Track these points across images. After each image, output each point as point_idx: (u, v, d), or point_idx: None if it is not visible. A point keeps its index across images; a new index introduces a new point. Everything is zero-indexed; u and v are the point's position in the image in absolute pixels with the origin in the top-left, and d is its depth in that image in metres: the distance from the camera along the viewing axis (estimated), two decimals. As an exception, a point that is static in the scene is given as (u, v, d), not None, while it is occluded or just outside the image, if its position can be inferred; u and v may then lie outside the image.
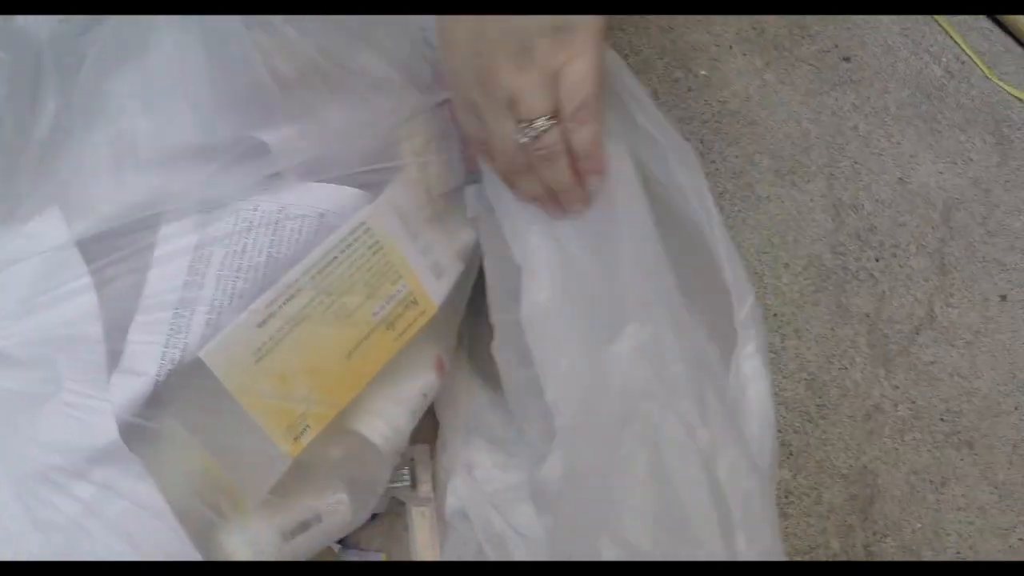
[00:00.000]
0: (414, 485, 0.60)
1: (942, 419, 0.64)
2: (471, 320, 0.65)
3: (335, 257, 0.49)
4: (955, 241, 0.69)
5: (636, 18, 0.79)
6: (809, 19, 0.78)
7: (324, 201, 0.50)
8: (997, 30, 0.78)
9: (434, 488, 0.60)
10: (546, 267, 0.50)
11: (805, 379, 0.64)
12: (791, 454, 0.63)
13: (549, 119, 0.40)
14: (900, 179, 0.71)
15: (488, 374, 0.63)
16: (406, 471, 0.61)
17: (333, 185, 0.50)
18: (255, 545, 0.49)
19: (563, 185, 0.44)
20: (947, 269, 0.67)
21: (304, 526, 0.51)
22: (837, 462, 0.62)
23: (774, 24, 0.78)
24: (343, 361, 0.49)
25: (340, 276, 0.49)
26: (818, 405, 0.64)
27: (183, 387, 0.45)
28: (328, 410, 0.49)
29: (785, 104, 0.74)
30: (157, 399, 0.44)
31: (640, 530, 0.44)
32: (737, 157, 0.72)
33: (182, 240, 0.47)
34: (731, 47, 0.77)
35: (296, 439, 0.47)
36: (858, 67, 0.76)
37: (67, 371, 0.44)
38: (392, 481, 0.61)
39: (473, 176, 0.55)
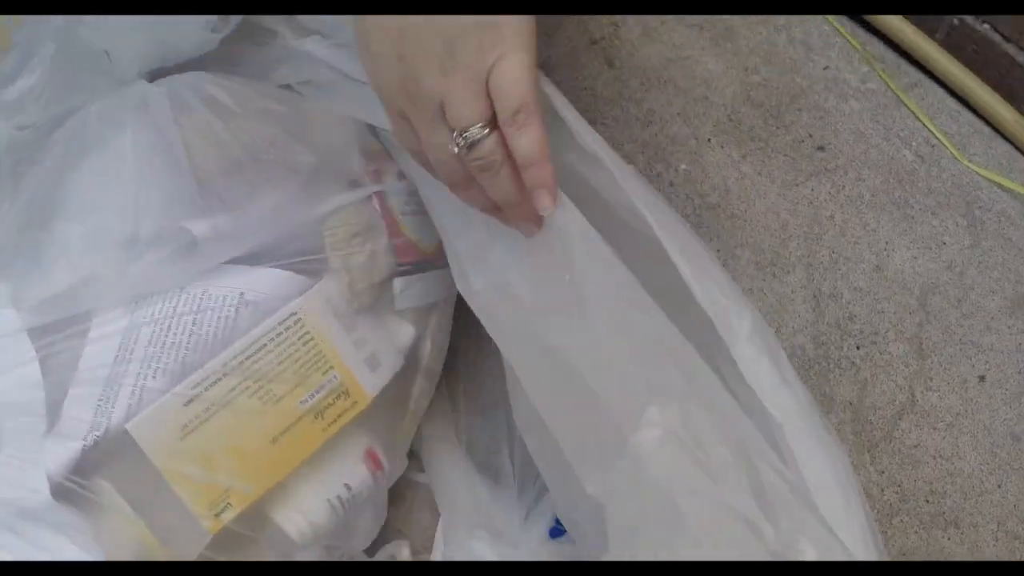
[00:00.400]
0: None
1: (927, 501, 0.65)
2: (467, 414, 0.67)
3: (264, 345, 0.51)
4: (932, 325, 0.70)
5: (615, 111, 0.81)
6: (783, 108, 0.81)
7: (245, 282, 0.51)
8: (965, 111, 0.80)
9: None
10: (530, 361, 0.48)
11: None
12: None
13: (483, 127, 0.36)
14: (877, 266, 0.72)
15: (487, 465, 0.64)
16: None
17: (251, 267, 0.52)
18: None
19: (509, 199, 0.39)
20: (926, 353, 0.69)
21: None
22: None
23: (750, 115, 0.81)
24: (268, 446, 0.50)
25: (268, 363, 0.51)
26: None
27: (113, 457, 0.47)
28: (252, 490, 0.50)
29: (763, 196, 0.76)
30: (88, 465, 0.47)
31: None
32: (719, 251, 0.74)
33: (114, 323, 0.50)
34: (709, 139, 0.79)
35: (217, 516, 0.48)
36: (832, 155, 0.78)
37: (8, 435, 0.47)
38: None
39: (403, 268, 0.56)
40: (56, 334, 0.50)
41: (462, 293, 0.50)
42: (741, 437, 0.41)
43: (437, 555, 0.64)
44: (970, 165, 0.78)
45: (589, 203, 0.46)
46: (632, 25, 0.86)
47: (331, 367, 0.52)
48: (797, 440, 0.44)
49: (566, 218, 0.43)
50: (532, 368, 0.48)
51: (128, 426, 0.47)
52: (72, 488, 0.47)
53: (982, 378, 0.69)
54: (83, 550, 0.46)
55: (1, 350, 0.49)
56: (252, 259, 0.52)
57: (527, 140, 0.36)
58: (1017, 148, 0.78)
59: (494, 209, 0.41)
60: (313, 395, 0.52)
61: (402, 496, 0.66)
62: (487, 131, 0.36)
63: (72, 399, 0.48)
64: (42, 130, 0.53)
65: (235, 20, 0.53)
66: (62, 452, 0.46)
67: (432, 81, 0.35)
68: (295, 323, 0.51)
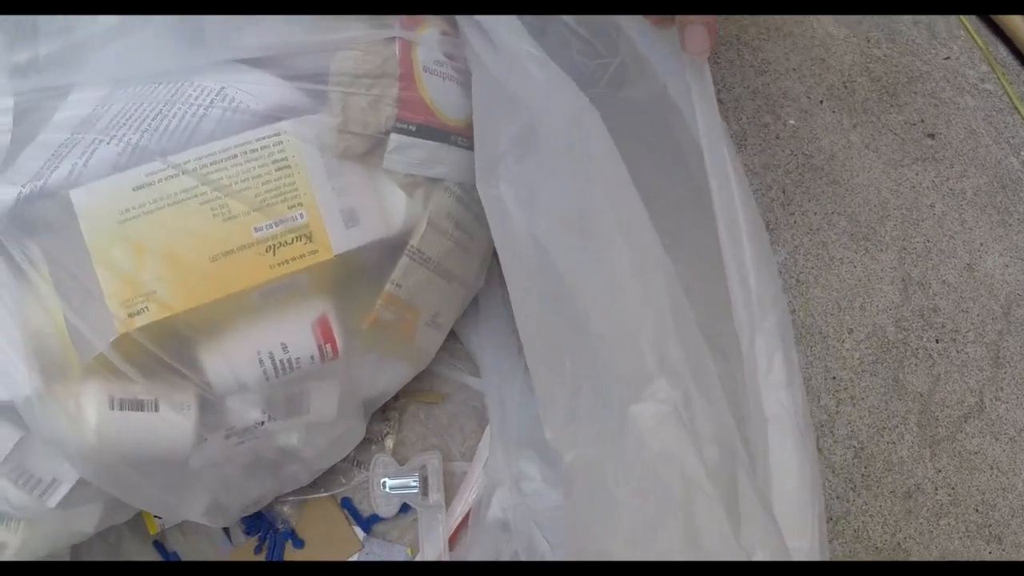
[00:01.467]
0: (425, 493, 0.55)
1: (976, 510, 0.60)
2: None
3: (235, 155, 0.43)
4: (1012, 336, 0.64)
5: (731, 54, 0.73)
6: (899, 88, 0.74)
7: (231, 79, 0.44)
8: (1077, 131, 0.74)
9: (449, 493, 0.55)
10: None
11: (854, 447, 0.60)
12: (831, 519, 0.58)
13: None
14: (968, 265, 0.66)
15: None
16: (415, 478, 0.55)
17: (243, 65, 0.45)
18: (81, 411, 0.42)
19: None
20: (1001, 362, 0.63)
21: (137, 405, 0.43)
22: (873, 535, 0.58)
23: (865, 86, 0.73)
24: (206, 262, 0.42)
25: (233, 176, 0.43)
26: (863, 475, 0.59)
27: (50, 222, 0.42)
28: (173, 302, 0.42)
29: (867, 169, 0.69)
30: (24, 222, 0.41)
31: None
32: (815, 214, 0.67)
33: (93, 92, 0.45)
34: (822, 102, 0.72)
35: (130, 315, 0.41)
36: (941, 145, 0.71)
37: None
38: (400, 488, 0.57)
39: (406, 126, 0.47)
40: (38, 92, 0.45)
41: (479, 188, 0.44)
42: (730, 437, 0.37)
43: (477, 467, 0.57)
44: (1075, 186, 0.71)
45: (658, 142, 0.42)
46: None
47: (300, 204, 0.44)
48: (778, 441, 0.39)
49: (615, 168, 0.38)
50: (531, 295, 0.42)
51: (72, 192, 0.41)
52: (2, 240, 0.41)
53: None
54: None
55: None
56: (250, 63, 0.46)
57: None
58: None
59: None
60: (271, 226, 0.43)
61: (448, 397, 0.58)
62: None
63: (28, 152, 0.43)
64: None
65: None
66: (2, 197, 0.41)
67: None
68: (274, 144, 0.44)
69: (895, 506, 0.61)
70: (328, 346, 0.45)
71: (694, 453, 0.35)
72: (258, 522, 0.57)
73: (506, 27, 0.44)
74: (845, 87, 0.75)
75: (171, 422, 0.42)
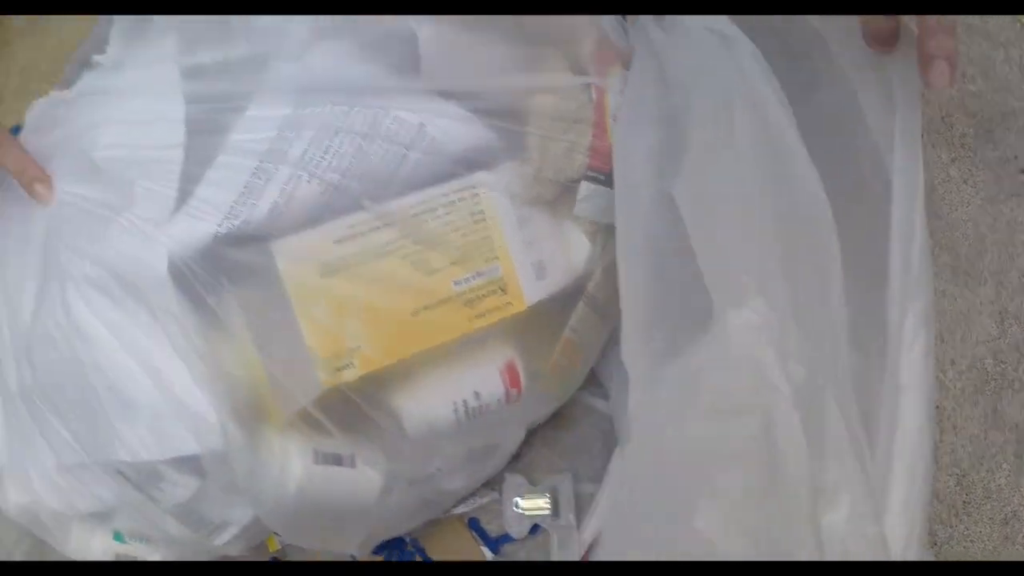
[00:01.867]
0: (557, 514, 0.57)
1: (1069, 538, 0.62)
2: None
3: (435, 208, 0.44)
4: (1104, 372, 0.67)
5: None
6: (994, 124, 0.75)
7: (428, 114, 0.45)
8: None
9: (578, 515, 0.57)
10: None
11: (956, 474, 0.63)
12: (935, 544, 0.61)
13: None
14: (1062, 300, 0.68)
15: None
16: (547, 499, 0.57)
17: (441, 98, 0.45)
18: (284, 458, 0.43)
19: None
20: (1094, 396, 0.66)
21: (336, 459, 0.45)
22: (974, 557, 0.61)
23: (962, 122, 0.75)
24: (408, 316, 0.44)
25: (433, 229, 0.44)
26: (964, 502, 0.62)
27: (243, 261, 0.42)
28: (376, 357, 0.43)
29: (966, 204, 0.72)
30: (216, 261, 0.41)
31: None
32: None
33: (275, 109, 0.43)
34: (923, 135, 0.73)
35: (337, 371, 0.42)
36: (1035, 182, 0.73)
37: (140, 195, 0.42)
38: (533, 509, 0.59)
39: (593, 175, 0.49)
40: (212, 102, 0.43)
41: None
42: (823, 369, 0.38)
43: (606, 490, 0.59)
44: None
45: (838, 143, 0.45)
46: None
47: (496, 257, 0.45)
48: (910, 414, 0.41)
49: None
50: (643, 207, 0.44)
51: (273, 246, 0.41)
52: (191, 277, 0.40)
53: None
54: (176, 355, 0.40)
55: (153, 96, 0.43)
56: (446, 95, 0.45)
57: None
58: None
59: None
60: (469, 279, 0.45)
61: (576, 420, 0.61)
62: None
63: (211, 180, 0.42)
64: None
65: None
66: (190, 233, 0.41)
67: None
68: (471, 195, 0.45)
69: (994, 532, 0.63)
70: (515, 390, 0.47)
71: (779, 365, 0.37)
72: (388, 541, 0.59)
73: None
74: (943, 121, 0.77)
75: (366, 476, 0.45)
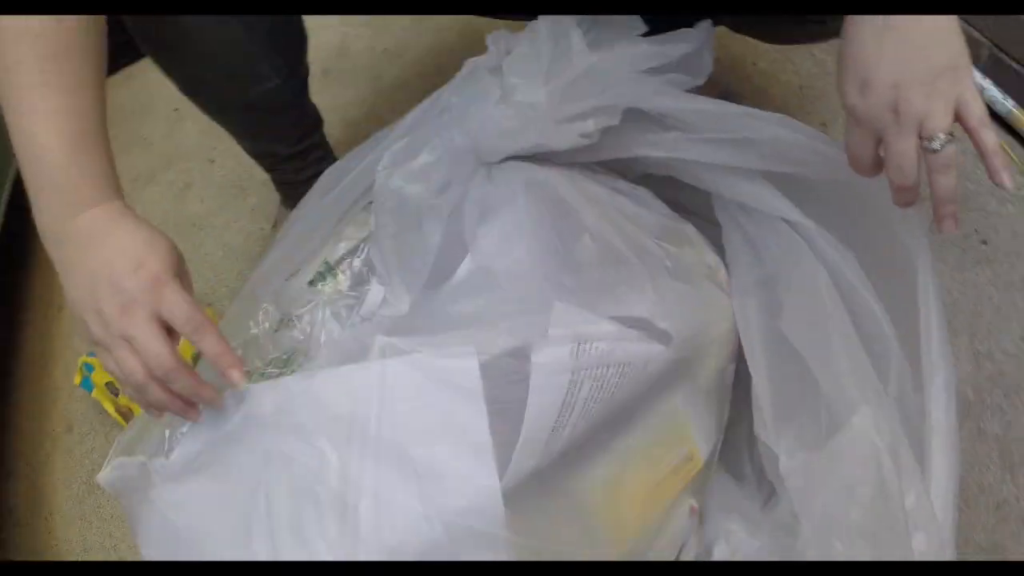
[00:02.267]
0: None
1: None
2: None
3: (655, 425, 0.65)
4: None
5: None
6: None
7: (637, 352, 0.60)
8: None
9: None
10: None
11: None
12: None
13: (948, 135, 0.48)
14: (1022, 336, 0.84)
15: (732, 467, 0.76)
16: None
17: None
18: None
19: (951, 193, 0.51)
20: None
21: None
22: (979, 539, 0.78)
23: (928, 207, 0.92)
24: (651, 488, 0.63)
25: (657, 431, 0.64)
26: (963, 499, 0.78)
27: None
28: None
29: (940, 275, 0.87)
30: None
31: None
32: None
33: (558, 373, 0.53)
34: None
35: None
36: (992, 249, 0.89)
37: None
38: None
39: None
40: (502, 378, 0.51)
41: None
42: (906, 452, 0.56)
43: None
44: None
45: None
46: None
47: (688, 438, 0.66)
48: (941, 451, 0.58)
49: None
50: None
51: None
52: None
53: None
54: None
55: (456, 405, 0.49)
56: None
57: (988, 137, 0.49)
58: None
59: (914, 192, 0.53)
60: (676, 458, 0.65)
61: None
62: (951, 139, 0.48)
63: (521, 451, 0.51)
64: (431, 192, 0.63)
65: (600, 131, 0.64)
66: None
67: (920, 102, 0.47)
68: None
69: (990, 517, 0.78)
70: (695, 520, 0.69)
71: (888, 456, 0.54)
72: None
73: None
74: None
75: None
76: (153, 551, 0.57)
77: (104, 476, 0.61)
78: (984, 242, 0.94)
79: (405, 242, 0.59)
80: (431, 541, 0.46)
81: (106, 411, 1.08)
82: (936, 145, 0.48)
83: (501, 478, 0.47)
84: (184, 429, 0.57)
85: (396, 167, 0.62)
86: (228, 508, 0.52)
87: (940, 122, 0.48)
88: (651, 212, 0.72)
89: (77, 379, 1.09)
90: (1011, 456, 0.83)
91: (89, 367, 1.08)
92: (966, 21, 1.02)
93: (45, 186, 0.51)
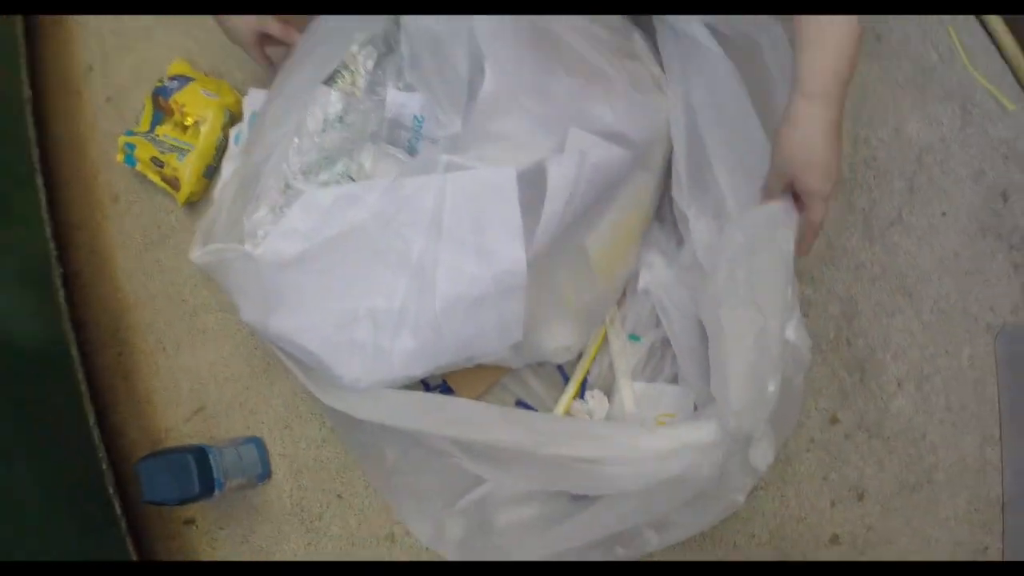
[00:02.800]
0: None
1: (896, 275, 1.06)
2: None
3: None
4: (921, 174, 1.07)
5: None
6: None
7: None
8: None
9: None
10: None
11: (825, 239, 1.05)
12: (814, 279, 1.05)
13: None
14: (895, 128, 1.08)
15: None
16: None
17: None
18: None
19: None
20: (914, 191, 1.07)
21: None
22: (839, 291, 1.05)
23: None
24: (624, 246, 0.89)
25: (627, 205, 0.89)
26: (832, 256, 1.05)
27: None
28: None
29: None
30: None
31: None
32: None
33: (567, 178, 0.82)
34: None
35: None
36: (884, 46, 1.10)
37: None
38: None
39: None
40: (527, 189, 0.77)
41: None
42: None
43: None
44: (974, 72, 1.10)
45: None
46: None
47: (644, 203, 0.90)
48: None
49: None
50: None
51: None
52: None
53: (944, 214, 1.08)
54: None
55: (500, 204, 0.75)
56: None
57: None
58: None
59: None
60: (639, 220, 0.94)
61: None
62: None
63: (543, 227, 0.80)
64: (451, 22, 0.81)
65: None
66: None
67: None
68: None
69: (849, 275, 1.07)
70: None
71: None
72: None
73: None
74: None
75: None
76: (252, 313, 0.81)
77: (198, 257, 0.84)
78: (878, 38, 1.13)
79: (439, 69, 0.78)
80: (481, 291, 0.72)
81: (151, 181, 1.26)
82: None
83: (529, 249, 0.72)
84: (267, 222, 0.79)
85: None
86: (325, 273, 0.76)
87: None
88: (610, 32, 0.90)
89: (120, 157, 1.27)
90: (871, 229, 1.07)
91: (131, 146, 1.25)
92: None
93: None
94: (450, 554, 0.91)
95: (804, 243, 0.77)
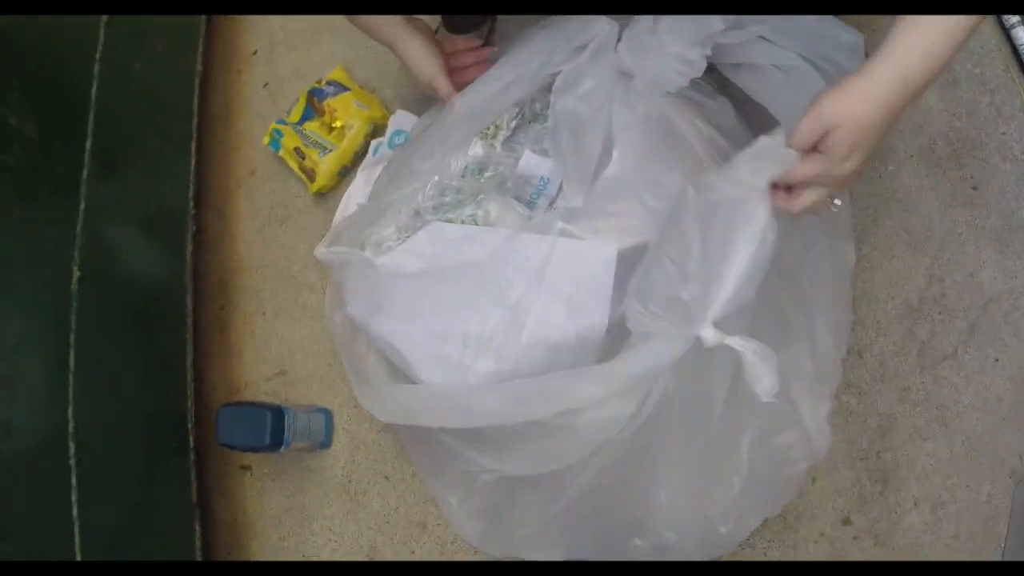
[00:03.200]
0: None
1: (937, 407, 1.13)
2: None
3: None
4: (985, 319, 1.14)
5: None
6: (964, 151, 1.19)
7: None
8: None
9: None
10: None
11: (881, 361, 1.13)
12: (881, 377, 1.13)
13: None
14: (971, 273, 1.15)
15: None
16: None
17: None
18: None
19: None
20: (975, 332, 1.14)
21: None
22: (887, 403, 1.12)
23: (940, 147, 1.19)
24: None
25: None
26: (882, 375, 1.13)
27: None
28: None
29: (928, 203, 1.17)
30: None
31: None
32: (888, 225, 1.15)
33: None
34: (912, 156, 1.18)
35: None
36: (979, 195, 1.18)
37: None
38: None
39: None
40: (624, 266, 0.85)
41: None
42: None
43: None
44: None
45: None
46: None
47: None
48: None
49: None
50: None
51: None
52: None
53: (997, 360, 1.14)
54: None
55: (598, 271, 0.86)
56: None
57: None
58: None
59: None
60: None
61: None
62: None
63: None
64: (593, 110, 0.93)
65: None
66: None
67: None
68: None
69: (893, 396, 1.14)
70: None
71: None
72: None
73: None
74: (928, 146, 1.21)
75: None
76: (359, 309, 0.94)
77: (323, 254, 0.97)
78: (975, 188, 1.20)
79: (576, 149, 0.90)
80: (563, 339, 0.83)
81: (288, 167, 1.41)
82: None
83: (612, 316, 0.83)
84: (391, 239, 0.92)
85: (568, 90, 0.91)
86: (434, 292, 0.88)
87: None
88: (728, 141, 1.00)
89: (266, 140, 1.42)
90: (925, 358, 1.12)
91: (279, 132, 1.40)
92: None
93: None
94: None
95: (795, 199, 0.74)
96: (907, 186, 1.19)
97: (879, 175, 1.18)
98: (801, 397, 0.92)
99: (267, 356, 1.39)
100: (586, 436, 0.79)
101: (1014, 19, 1.23)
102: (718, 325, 0.72)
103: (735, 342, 0.72)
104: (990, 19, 1.24)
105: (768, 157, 0.71)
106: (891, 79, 0.67)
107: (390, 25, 0.94)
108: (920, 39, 0.65)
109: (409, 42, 0.96)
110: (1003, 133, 1.21)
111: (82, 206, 1.06)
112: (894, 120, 0.69)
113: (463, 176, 0.94)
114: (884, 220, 1.18)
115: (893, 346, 1.14)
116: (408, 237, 0.91)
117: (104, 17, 1.14)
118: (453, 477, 1.03)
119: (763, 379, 0.71)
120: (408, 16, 0.97)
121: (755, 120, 1.04)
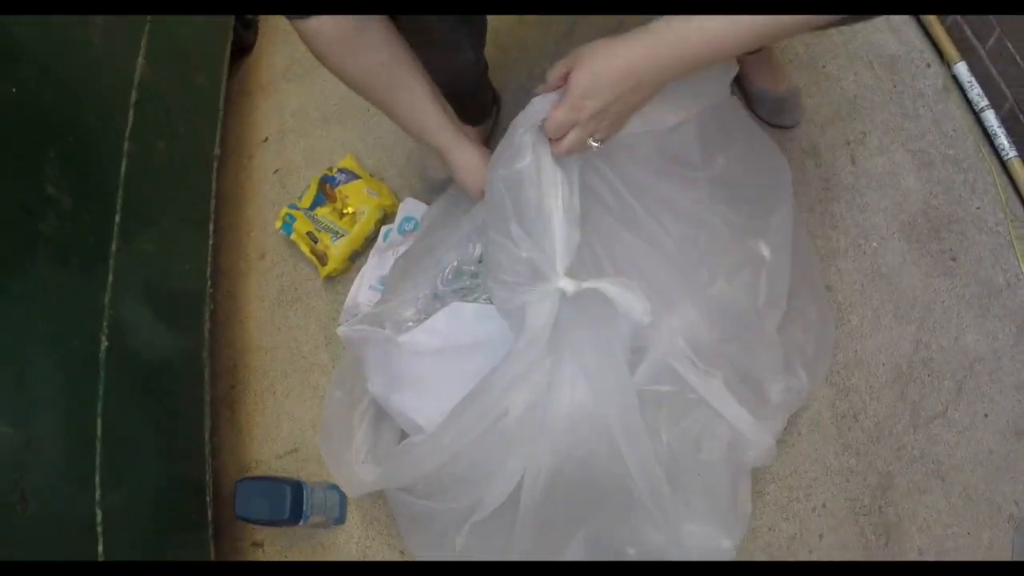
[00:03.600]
0: None
1: (933, 461, 1.18)
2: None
3: None
4: (970, 380, 1.20)
5: (847, 196, 1.27)
6: (941, 226, 1.27)
7: None
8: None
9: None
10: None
11: (876, 423, 1.18)
12: (877, 436, 1.18)
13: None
14: (955, 338, 1.22)
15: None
16: None
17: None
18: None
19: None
20: (962, 394, 1.20)
21: None
22: (883, 464, 1.17)
23: (920, 223, 1.27)
24: None
25: None
26: (877, 435, 1.18)
27: None
28: None
29: (911, 276, 1.24)
30: None
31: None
32: (874, 298, 1.23)
33: None
34: (895, 232, 1.26)
35: None
36: (958, 266, 1.25)
37: None
38: None
39: None
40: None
41: None
42: None
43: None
44: (1032, 298, 1.24)
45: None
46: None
47: None
48: None
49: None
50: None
51: None
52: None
53: (986, 415, 1.20)
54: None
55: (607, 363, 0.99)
56: None
57: None
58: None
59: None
60: None
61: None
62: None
63: None
64: None
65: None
66: None
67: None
68: None
69: (890, 454, 1.19)
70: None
71: None
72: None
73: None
74: (909, 222, 1.30)
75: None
76: (380, 386, 0.99)
77: (345, 331, 1.02)
78: (953, 259, 1.28)
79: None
80: (582, 410, 0.89)
81: (298, 249, 1.47)
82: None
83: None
84: (411, 319, 0.98)
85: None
86: (451, 369, 0.94)
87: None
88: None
89: (278, 224, 1.48)
90: (918, 418, 1.18)
91: (291, 217, 1.46)
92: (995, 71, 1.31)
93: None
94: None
95: (558, 144, 0.80)
96: (890, 261, 1.27)
97: (864, 251, 1.26)
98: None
99: (278, 434, 1.41)
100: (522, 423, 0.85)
101: (983, 103, 1.33)
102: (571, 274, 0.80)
103: (594, 283, 0.79)
104: (961, 104, 1.35)
105: (533, 112, 0.80)
106: (638, 42, 0.73)
107: (443, 133, 0.95)
108: (698, 22, 0.70)
109: (461, 153, 0.96)
110: (978, 207, 1.30)
111: (110, 278, 1.07)
112: (644, 84, 0.75)
113: (480, 261, 1.01)
114: (871, 293, 1.25)
115: (886, 408, 1.20)
116: (426, 318, 0.97)
117: (133, 96, 1.18)
118: (432, 538, 1.06)
119: (635, 306, 0.79)
120: (458, 124, 0.97)
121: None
